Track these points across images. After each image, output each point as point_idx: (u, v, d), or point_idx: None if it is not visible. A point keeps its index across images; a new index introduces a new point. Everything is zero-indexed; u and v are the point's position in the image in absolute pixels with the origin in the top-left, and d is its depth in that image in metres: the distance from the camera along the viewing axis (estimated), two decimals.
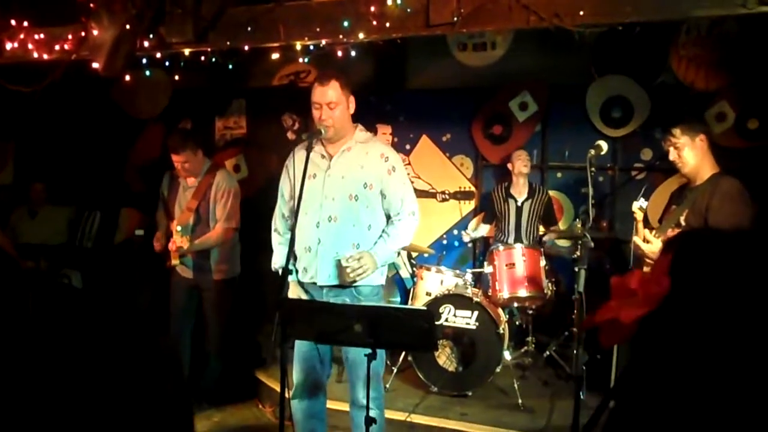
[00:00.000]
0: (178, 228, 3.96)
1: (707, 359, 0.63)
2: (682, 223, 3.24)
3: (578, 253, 3.48)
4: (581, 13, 3.06)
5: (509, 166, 5.16)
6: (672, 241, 0.80)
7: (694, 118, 3.36)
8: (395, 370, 4.44)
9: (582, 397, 3.09)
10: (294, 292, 3.06)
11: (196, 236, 4.07)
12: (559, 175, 5.54)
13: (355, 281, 2.91)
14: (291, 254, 2.79)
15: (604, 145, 3.31)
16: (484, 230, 5.39)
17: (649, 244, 3.25)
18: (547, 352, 4.74)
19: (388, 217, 3.06)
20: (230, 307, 4.30)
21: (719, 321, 0.63)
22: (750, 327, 0.61)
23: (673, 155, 3.29)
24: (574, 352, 3.60)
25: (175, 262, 4.03)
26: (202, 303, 4.24)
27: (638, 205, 3.40)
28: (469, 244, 5.63)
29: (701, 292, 0.66)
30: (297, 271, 3.07)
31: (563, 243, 5.18)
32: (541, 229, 5.16)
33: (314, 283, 3.02)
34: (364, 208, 2.98)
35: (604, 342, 0.89)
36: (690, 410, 0.62)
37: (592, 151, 3.25)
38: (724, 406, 0.60)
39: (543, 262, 4.50)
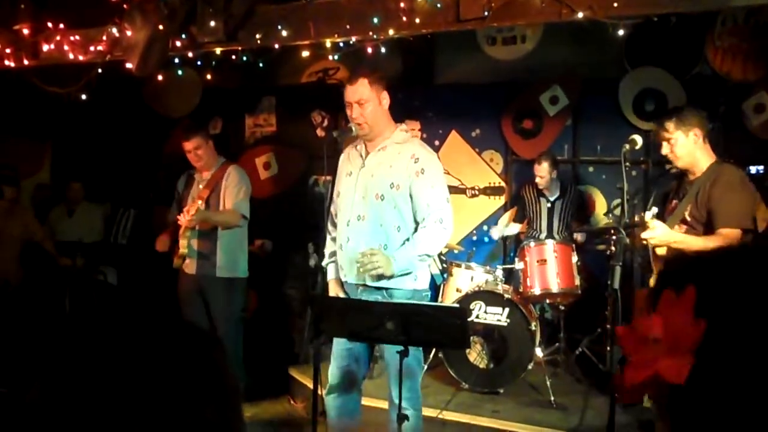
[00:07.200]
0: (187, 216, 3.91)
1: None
2: (687, 218, 3.07)
3: (613, 249, 3.40)
4: (615, 4, 2.99)
5: None
6: (672, 274, 0.72)
7: (691, 109, 3.14)
8: (426, 367, 4.42)
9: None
10: (333, 291, 3.06)
11: (203, 231, 4.04)
12: (591, 169, 5.46)
13: (384, 278, 2.88)
14: (323, 251, 2.80)
15: (638, 140, 3.22)
16: (515, 228, 5.32)
17: (650, 230, 2.96)
18: (580, 349, 4.68)
19: (418, 223, 2.95)
20: (239, 311, 4.20)
21: None
22: None
23: (665, 149, 3.13)
24: (608, 348, 3.53)
25: (178, 262, 4.00)
26: (208, 307, 4.10)
27: (651, 214, 3.07)
28: (500, 241, 5.56)
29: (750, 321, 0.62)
30: (341, 269, 3.07)
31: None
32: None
33: (349, 282, 3.02)
34: (391, 208, 2.91)
35: (630, 399, 0.76)
36: None
37: (627, 146, 3.16)
38: None
39: (575, 258, 4.45)
